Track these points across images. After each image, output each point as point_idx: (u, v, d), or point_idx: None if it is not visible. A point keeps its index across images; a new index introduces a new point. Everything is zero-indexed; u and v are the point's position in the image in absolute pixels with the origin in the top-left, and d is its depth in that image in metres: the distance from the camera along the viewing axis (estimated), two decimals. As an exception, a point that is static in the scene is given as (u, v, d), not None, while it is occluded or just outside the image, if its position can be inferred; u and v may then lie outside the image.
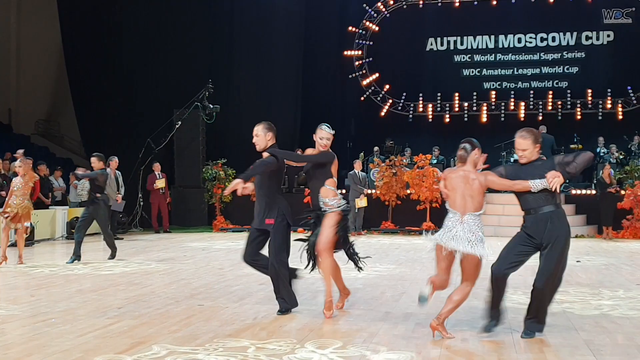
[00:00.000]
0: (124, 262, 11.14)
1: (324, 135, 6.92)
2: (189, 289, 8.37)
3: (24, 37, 24.90)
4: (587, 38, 22.09)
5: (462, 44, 22.95)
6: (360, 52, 23.16)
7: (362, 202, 16.71)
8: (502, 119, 22.24)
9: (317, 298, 7.71)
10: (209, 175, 18.46)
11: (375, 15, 23.02)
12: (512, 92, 22.47)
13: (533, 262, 5.96)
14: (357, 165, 17.32)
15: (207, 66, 20.50)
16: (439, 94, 22.75)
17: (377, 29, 23.05)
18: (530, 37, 22.59)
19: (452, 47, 22.98)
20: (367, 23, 23.04)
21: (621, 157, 18.70)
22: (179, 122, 18.95)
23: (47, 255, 12.68)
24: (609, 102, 21.49)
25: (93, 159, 11.65)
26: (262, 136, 6.82)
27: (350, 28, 23.02)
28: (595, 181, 17.39)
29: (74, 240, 11.28)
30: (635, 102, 21.28)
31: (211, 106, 18.83)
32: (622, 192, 16.52)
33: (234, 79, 21.62)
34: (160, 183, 17.72)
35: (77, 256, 11.06)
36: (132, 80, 21.24)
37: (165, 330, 5.97)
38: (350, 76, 23.01)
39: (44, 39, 24.09)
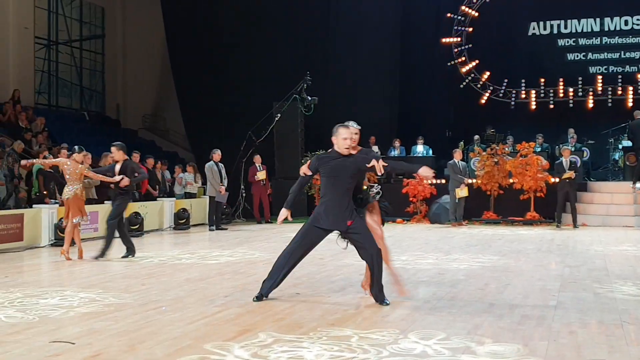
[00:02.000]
0: (229, 252, 11.44)
1: (353, 130, 6.68)
2: (291, 278, 8.45)
3: (130, 34, 25.85)
4: None
5: (566, 27, 22.19)
6: (459, 39, 22.78)
7: (462, 192, 16.48)
8: (610, 104, 21.38)
9: (419, 289, 7.69)
10: (309, 167, 18.62)
11: (474, 0, 22.56)
12: (620, 77, 21.54)
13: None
14: (457, 154, 17.09)
15: (304, 58, 20.68)
16: (542, 80, 22.09)
17: (476, 14, 22.60)
18: (638, 19, 21.62)
19: (555, 31, 22.26)
20: (466, 9, 22.61)
21: None
22: (279, 115, 19.23)
23: (156, 245, 13.18)
24: None
25: (113, 149, 10.76)
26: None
27: (448, 15, 22.66)
28: None
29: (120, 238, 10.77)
30: None
31: (309, 98, 19.01)
32: None
33: (331, 70, 21.72)
34: (261, 175, 18.07)
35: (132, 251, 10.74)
36: (233, 74, 21.72)
37: (270, 318, 6.11)
38: (449, 64, 22.67)
39: (149, 35, 24.94)
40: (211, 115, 22.00)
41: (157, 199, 16.63)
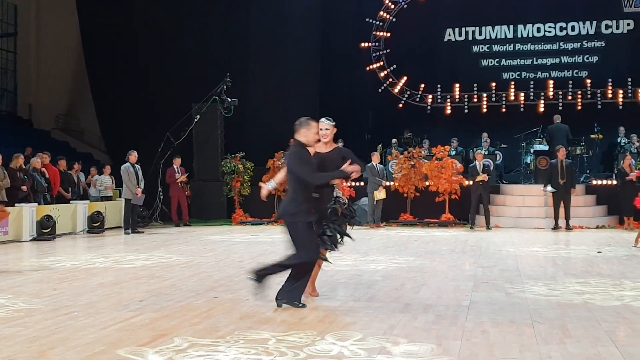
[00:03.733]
0: (145, 256, 11.23)
1: (323, 126, 7.01)
2: (209, 281, 8.42)
3: (43, 32, 25.10)
4: (607, 27, 21.86)
5: (480, 34, 22.81)
6: (377, 44, 23.08)
7: (380, 194, 16.70)
8: (522, 109, 22.09)
9: (337, 290, 7.73)
10: (227, 169, 18.52)
11: (392, 6, 22.92)
12: (532, 82, 22.29)
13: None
14: (375, 157, 17.30)
15: (224, 60, 20.52)
16: (457, 85, 22.63)
17: (394, 20, 22.95)
18: (550, 27, 22.40)
19: (470, 38, 22.84)
20: (384, 14, 22.95)
21: (642, 146, 18.54)
22: (198, 116, 19.02)
23: (68, 249, 12.79)
24: (630, 91, 21.26)
25: None
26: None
27: (367, 19, 22.93)
28: (616, 171, 17.23)
29: None
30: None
31: (229, 100, 18.89)
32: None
33: (251, 72, 21.62)
34: (182, 177, 17.88)
35: None
36: (151, 74, 21.36)
37: (186, 322, 6.02)
38: (367, 68, 22.94)
39: (63, 33, 24.28)
40: (128, 116, 21.55)
41: (71, 201, 16.17)
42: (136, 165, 16.01)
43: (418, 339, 5.40)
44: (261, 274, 6.73)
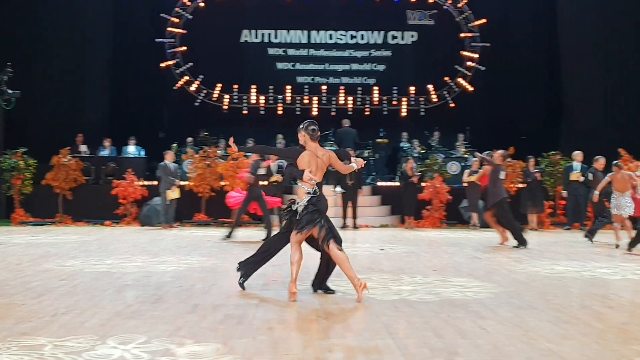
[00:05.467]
0: None
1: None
2: (-19, 286, 7.76)
3: None
4: (393, 37, 23.17)
5: (276, 37, 23.21)
6: (173, 41, 22.68)
7: (174, 193, 16.39)
8: (315, 112, 22.77)
9: (123, 293, 7.46)
10: (7, 165, 17.25)
11: (188, 3, 22.63)
12: (325, 87, 23.06)
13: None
14: (169, 156, 16.94)
15: (6, 50, 19.08)
16: (254, 87, 22.84)
17: (190, 17, 22.67)
18: (341, 34, 23.29)
19: (266, 40, 23.16)
20: (181, 11, 22.61)
21: (423, 151, 19.87)
22: (-26, 108, 17.53)
23: None
24: (413, 99, 22.69)
25: None
26: None
27: (162, 15, 22.44)
28: (399, 174, 18.30)
29: None
30: (436, 99, 22.64)
31: (10, 92, 17.57)
32: (423, 184, 17.54)
33: (36, 64, 20.28)
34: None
35: None
36: None
37: (-50, 331, 5.49)
38: (161, 65, 22.46)
39: None
40: None
41: None
42: None
43: (204, 339, 5.34)
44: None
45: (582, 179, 16.36)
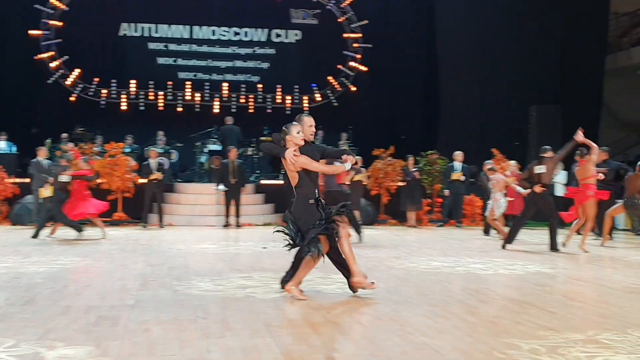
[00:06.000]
0: None
1: (313, 123, 7.22)
2: None
3: None
4: (277, 35, 23.21)
5: (157, 31, 22.70)
6: (48, 33, 21.72)
7: (47, 191, 15.67)
8: (197, 109, 22.44)
9: (-11, 295, 7.06)
10: None
11: (64, -7, 21.78)
12: (207, 84, 22.77)
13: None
14: (42, 152, 16.24)
15: None
16: (133, 82, 22.24)
17: (66, 8, 21.78)
18: (225, 31, 23.10)
19: (146, 34, 22.62)
20: (55, 2, 21.67)
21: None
22: None
23: None
24: (297, 97, 22.81)
25: None
26: None
27: (36, 6, 21.42)
28: (283, 172, 18.29)
29: None
30: (319, 99, 22.85)
31: None
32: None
33: None
34: None
35: None
36: None
37: None
38: (35, 58, 21.45)
39: None
40: None
41: None
42: None
43: (76, 342, 5.11)
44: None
45: (462, 178, 16.97)
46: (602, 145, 14.50)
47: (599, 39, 21.50)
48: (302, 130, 7.06)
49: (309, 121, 7.24)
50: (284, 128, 7.00)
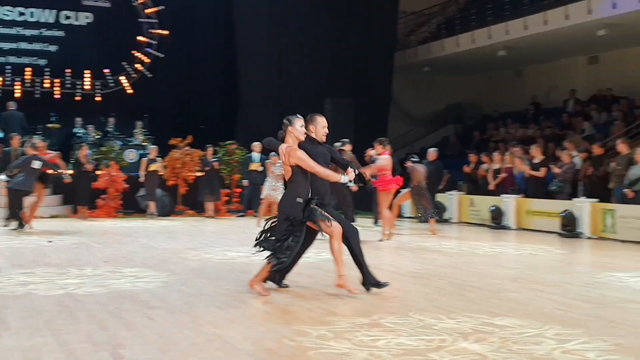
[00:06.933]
0: None
1: (326, 124, 6.96)
2: None
3: None
4: (67, 17, 21.92)
5: None
6: None
7: None
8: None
9: None
10: None
11: None
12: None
13: None
14: None
15: None
16: None
17: None
18: (8, 10, 21.44)
19: None
20: None
21: (98, 137, 19.14)
22: None
23: None
24: (88, 83, 21.68)
25: None
26: None
27: None
28: (72, 161, 17.34)
29: None
30: (112, 84, 21.90)
31: None
32: (98, 172, 16.88)
33: None
34: None
35: None
36: None
37: None
38: None
39: None
40: None
41: None
42: None
43: None
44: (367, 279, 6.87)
45: (261, 168, 17.06)
46: (390, 137, 15.24)
47: (389, 37, 22.56)
48: (315, 130, 6.84)
49: (322, 122, 6.93)
50: (285, 121, 6.59)
